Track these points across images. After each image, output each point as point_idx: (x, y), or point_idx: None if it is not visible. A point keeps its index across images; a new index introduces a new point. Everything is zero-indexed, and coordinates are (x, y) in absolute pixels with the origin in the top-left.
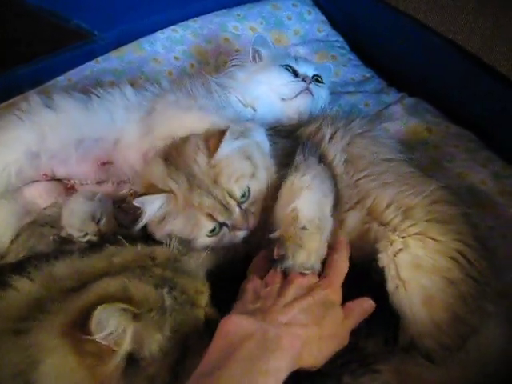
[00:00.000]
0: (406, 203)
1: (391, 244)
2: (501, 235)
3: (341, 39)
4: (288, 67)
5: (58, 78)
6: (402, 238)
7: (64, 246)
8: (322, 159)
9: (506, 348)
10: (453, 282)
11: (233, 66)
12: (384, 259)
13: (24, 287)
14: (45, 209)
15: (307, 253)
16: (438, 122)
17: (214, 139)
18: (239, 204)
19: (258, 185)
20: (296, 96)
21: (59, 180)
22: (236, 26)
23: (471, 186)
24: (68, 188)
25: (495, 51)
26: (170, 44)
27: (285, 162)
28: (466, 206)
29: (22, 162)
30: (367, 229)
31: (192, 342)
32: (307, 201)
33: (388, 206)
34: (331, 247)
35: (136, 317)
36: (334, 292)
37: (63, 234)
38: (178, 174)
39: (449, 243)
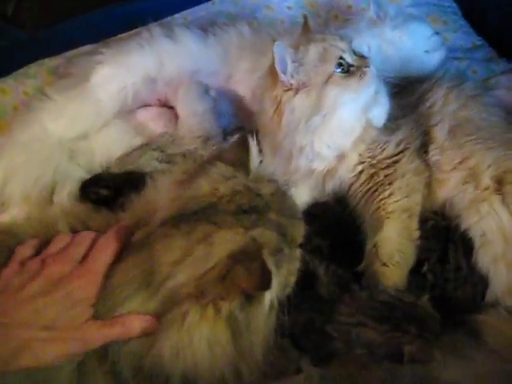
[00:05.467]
0: (506, 165)
1: (479, 207)
2: None
3: (453, 5)
4: None
5: (175, 16)
6: (490, 203)
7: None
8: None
9: None
10: None
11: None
12: (469, 221)
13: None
14: (159, 135)
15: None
16: None
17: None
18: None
19: None
20: (438, 49)
21: (171, 108)
22: None
23: None
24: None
25: None
26: None
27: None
28: None
29: (140, 85)
30: (465, 189)
31: None
32: (388, 234)
33: (489, 167)
34: None
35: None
36: (87, 285)
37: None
38: None
39: None
